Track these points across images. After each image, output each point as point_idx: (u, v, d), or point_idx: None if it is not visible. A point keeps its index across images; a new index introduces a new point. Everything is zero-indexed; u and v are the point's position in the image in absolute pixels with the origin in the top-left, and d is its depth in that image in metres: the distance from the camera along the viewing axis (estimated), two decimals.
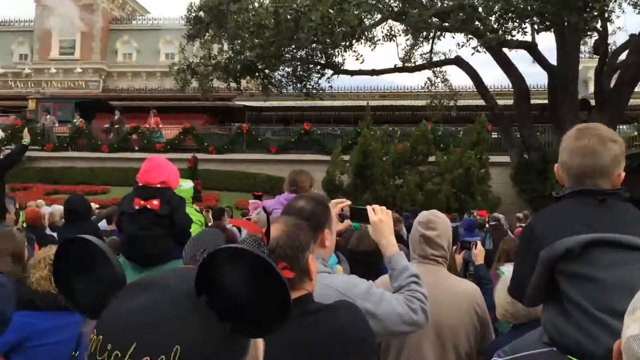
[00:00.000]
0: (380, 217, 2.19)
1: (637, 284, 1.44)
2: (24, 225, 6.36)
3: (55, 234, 6.11)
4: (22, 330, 2.53)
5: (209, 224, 9.05)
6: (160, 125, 23.91)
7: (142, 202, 3.70)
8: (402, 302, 1.95)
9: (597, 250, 1.59)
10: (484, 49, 10.45)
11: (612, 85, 11.18)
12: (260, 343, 0.79)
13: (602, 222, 1.65)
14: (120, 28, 33.94)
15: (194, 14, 12.31)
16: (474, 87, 12.72)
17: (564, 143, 1.83)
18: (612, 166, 1.75)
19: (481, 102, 13.67)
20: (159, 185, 3.78)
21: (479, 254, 3.99)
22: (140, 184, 3.84)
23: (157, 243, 3.66)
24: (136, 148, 23.19)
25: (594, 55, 12.98)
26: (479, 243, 4.15)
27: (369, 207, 2.26)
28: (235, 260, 0.68)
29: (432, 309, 2.07)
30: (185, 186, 4.89)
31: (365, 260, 4.42)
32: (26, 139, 5.67)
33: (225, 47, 12.96)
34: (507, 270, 4.61)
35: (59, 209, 8.14)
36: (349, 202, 2.35)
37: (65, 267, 0.77)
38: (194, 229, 4.91)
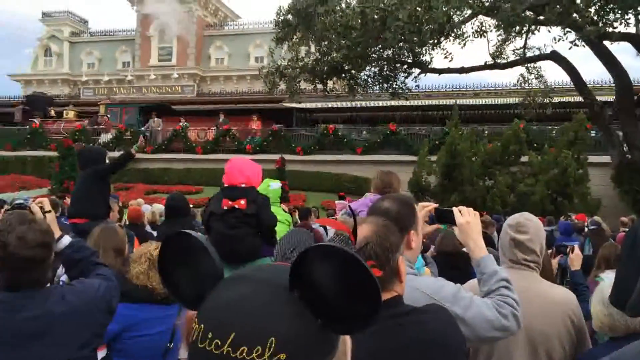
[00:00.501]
0: (467, 218, 2.14)
1: None
2: (126, 222, 6.80)
3: (154, 232, 6.47)
4: (122, 321, 2.66)
5: (297, 224, 9.23)
6: (260, 127, 24.69)
7: (230, 202, 3.85)
8: (492, 307, 1.89)
9: None
10: (583, 43, 9.85)
11: None
12: (348, 340, 0.80)
13: None
14: (213, 34, 35.44)
15: (282, 17, 12.57)
16: (571, 83, 12.02)
17: None
18: None
19: (579, 98, 12.91)
20: (243, 185, 3.92)
21: (575, 259, 3.76)
22: (225, 185, 4.00)
23: (246, 241, 3.79)
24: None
25: None
26: (576, 247, 3.92)
27: (455, 209, 2.21)
28: (326, 257, 0.70)
29: (524, 315, 1.99)
30: (274, 186, 5.03)
31: (452, 263, 4.33)
32: (136, 146, 6.07)
33: (313, 49, 13.15)
34: (607, 277, 4.34)
35: (158, 208, 8.64)
36: (436, 205, 2.31)
37: (169, 260, 0.82)
38: (282, 229, 5.03)
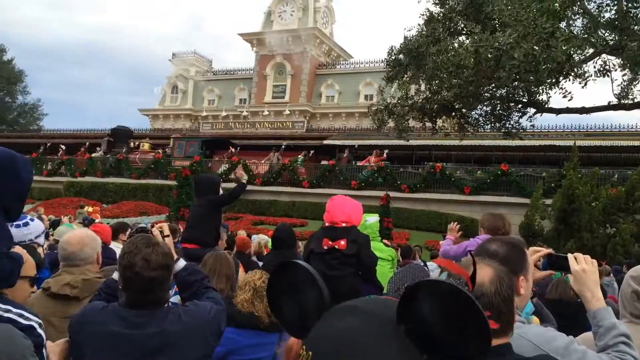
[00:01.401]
0: (584, 266, 2.02)
1: None
2: (235, 250, 7.11)
3: (259, 262, 6.70)
4: (228, 344, 2.79)
5: (398, 262, 9.11)
6: (373, 164, 25.02)
7: (330, 242, 3.89)
8: None
9: None
10: None
11: None
12: None
13: None
14: (325, 73, 36.62)
15: (394, 57, 12.74)
16: None
17: None
18: None
19: None
20: (343, 225, 3.95)
21: None
22: (326, 224, 4.05)
23: (345, 282, 3.79)
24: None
25: None
26: None
27: (570, 255, 2.10)
28: (436, 293, 0.71)
29: None
30: (370, 220, 5.00)
31: (563, 311, 4.06)
32: (244, 178, 6.38)
33: (423, 87, 13.15)
34: None
35: (263, 238, 8.98)
36: (549, 250, 2.21)
37: (278, 288, 0.88)
38: (383, 265, 4.99)
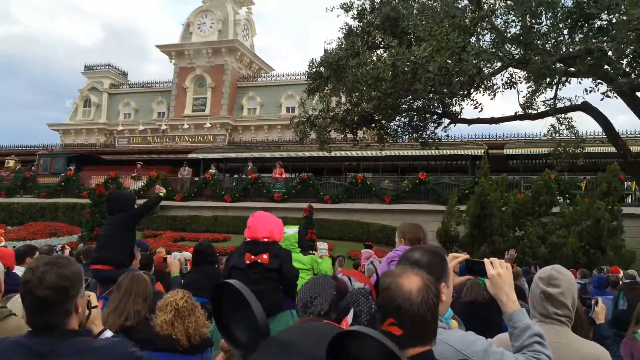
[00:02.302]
0: (499, 270, 2.11)
1: None
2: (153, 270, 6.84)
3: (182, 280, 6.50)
4: None
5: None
6: (284, 176, 25.11)
7: (252, 256, 3.86)
8: None
9: None
10: (615, 94, 9.79)
11: None
12: None
13: None
14: (246, 85, 36.46)
15: (314, 70, 12.88)
16: (603, 134, 11.88)
17: None
18: None
19: (611, 149, 12.73)
20: (266, 240, 3.94)
21: (600, 312, 3.70)
22: (248, 239, 4.02)
23: (267, 296, 3.76)
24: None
25: None
26: (600, 300, 3.85)
27: (486, 260, 2.18)
28: (364, 343, 0.72)
29: None
30: (289, 232, 5.02)
31: (476, 312, 4.23)
32: (162, 191, 6.13)
33: (343, 99, 13.39)
34: None
35: (186, 255, 8.75)
36: (466, 256, 2.29)
37: (219, 307, 0.85)
38: (304, 277, 4.99)
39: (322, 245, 6.07)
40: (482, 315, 4.09)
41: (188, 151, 29.98)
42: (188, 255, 8.85)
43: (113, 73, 40.62)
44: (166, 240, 20.69)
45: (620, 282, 9.55)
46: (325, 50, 12.82)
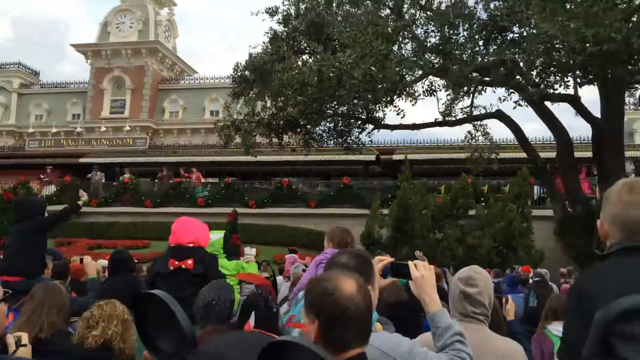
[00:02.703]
0: (422, 272, 2.16)
1: None
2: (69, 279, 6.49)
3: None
4: None
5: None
6: (202, 180, 24.72)
7: (176, 262, 3.76)
8: None
9: None
10: (526, 103, 10.40)
11: None
12: None
13: None
14: (168, 88, 35.49)
15: (239, 73, 12.76)
16: (516, 140, 12.59)
17: (614, 197, 1.76)
18: None
19: (523, 154, 13.51)
20: (191, 245, 3.85)
21: (510, 309, 3.94)
22: (172, 245, 3.92)
23: (192, 302, 3.68)
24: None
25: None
26: (510, 298, 4.09)
27: (410, 263, 2.23)
28: (293, 350, 0.71)
29: None
30: (214, 238, 4.96)
31: (399, 313, 4.34)
32: (83, 198, 5.83)
33: (269, 104, 13.35)
34: (553, 329, 4.46)
35: (102, 263, 8.35)
36: (391, 259, 2.33)
37: (142, 317, 0.81)
38: (228, 280, 4.92)
39: (250, 251, 5.99)
40: (404, 316, 4.20)
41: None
42: (104, 262, 8.46)
43: (23, 72, 38.26)
44: (81, 248, 19.72)
45: (531, 281, 10.13)
46: (250, 54, 12.75)
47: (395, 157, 24.66)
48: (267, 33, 12.52)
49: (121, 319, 2.90)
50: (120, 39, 34.78)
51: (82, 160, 27.72)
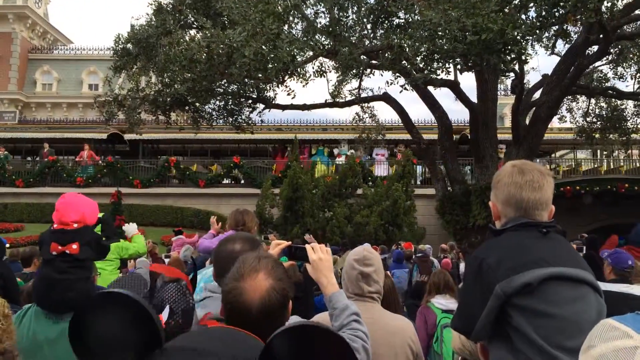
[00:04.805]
0: (320, 255, 2.19)
1: (589, 320, 1.49)
2: None
3: None
4: None
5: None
6: (96, 159, 23.26)
7: (59, 247, 3.48)
8: None
9: (552, 285, 1.60)
10: (411, 87, 10.86)
11: (527, 121, 11.92)
12: None
13: (555, 256, 1.66)
14: (39, 58, 32.64)
15: (121, 46, 12.04)
16: (401, 122, 13.15)
17: (505, 179, 1.85)
18: (551, 199, 1.82)
19: (408, 136, 14.16)
20: (75, 226, 3.58)
21: None
22: (55, 226, 3.62)
23: (79, 286, 3.43)
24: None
25: (510, 94, 13.83)
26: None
27: (308, 246, 2.25)
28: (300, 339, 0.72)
29: (371, 347, 2.08)
30: None
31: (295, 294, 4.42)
32: None
33: (154, 79, 12.74)
34: (436, 302, 4.75)
35: None
36: (288, 243, 2.34)
37: (88, 323, 0.73)
38: (106, 265, 4.68)
39: (128, 227, 5.66)
40: (299, 296, 4.28)
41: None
42: None
43: None
44: None
45: (414, 256, 10.73)
46: (132, 26, 12.05)
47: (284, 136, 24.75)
48: (151, 4, 11.88)
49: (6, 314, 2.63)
50: None
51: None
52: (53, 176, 22.68)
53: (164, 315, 1.85)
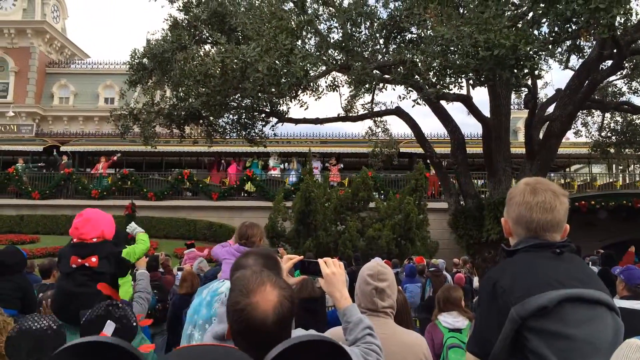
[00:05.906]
0: (333, 269, 2.21)
1: (606, 340, 1.49)
2: None
3: None
4: None
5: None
6: (103, 170, 23.52)
7: (79, 260, 3.55)
8: (360, 355, 1.96)
9: (568, 306, 1.58)
10: (423, 102, 10.88)
11: (540, 136, 11.87)
12: None
13: (569, 277, 1.65)
14: (57, 72, 33.17)
15: (137, 60, 12.22)
16: (414, 136, 13.15)
17: (517, 198, 1.84)
18: (564, 220, 1.81)
19: (421, 150, 14.16)
20: (95, 240, 3.64)
21: None
22: (74, 241, 3.68)
23: (97, 299, 3.49)
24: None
25: (524, 108, 13.78)
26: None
27: (320, 260, 2.28)
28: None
29: None
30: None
31: (310, 307, 4.42)
32: None
33: (168, 93, 12.90)
34: (443, 321, 4.69)
35: None
36: (300, 257, 2.36)
37: None
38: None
39: (130, 227, 5.64)
40: (316, 309, 4.28)
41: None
42: None
43: None
44: None
45: (426, 271, 10.68)
46: (148, 41, 12.23)
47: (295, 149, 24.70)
48: (167, 20, 12.08)
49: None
50: (2, 18, 32.00)
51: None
52: (69, 189, 22.95)
53: (107, 331, 1.89)
